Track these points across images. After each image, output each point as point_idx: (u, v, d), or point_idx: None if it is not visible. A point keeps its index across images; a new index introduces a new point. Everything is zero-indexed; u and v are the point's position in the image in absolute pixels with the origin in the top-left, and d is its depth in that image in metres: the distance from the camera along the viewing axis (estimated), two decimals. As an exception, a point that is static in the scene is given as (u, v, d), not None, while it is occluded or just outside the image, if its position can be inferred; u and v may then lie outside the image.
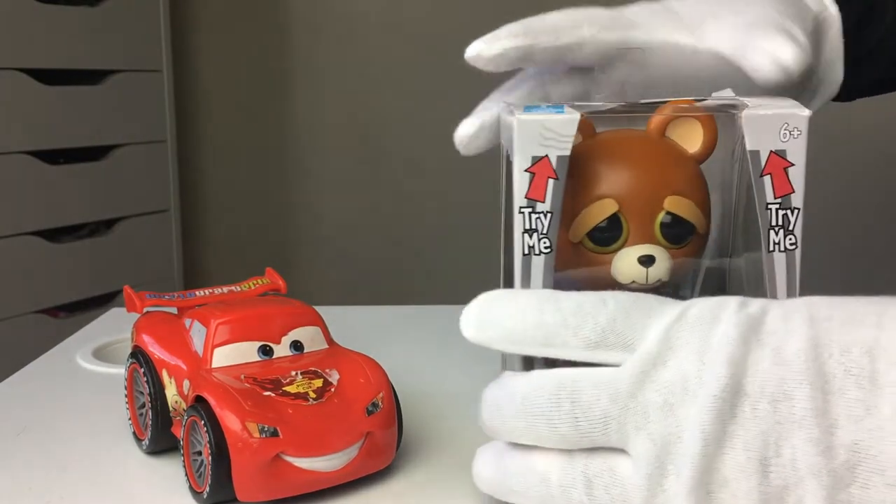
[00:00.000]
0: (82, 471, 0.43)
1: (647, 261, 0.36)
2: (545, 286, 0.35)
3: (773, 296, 0.36)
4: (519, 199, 0.34)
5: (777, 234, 0.35)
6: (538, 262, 0.34)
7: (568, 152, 0.34)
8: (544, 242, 0.34)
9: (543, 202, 0.34)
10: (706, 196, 0.38)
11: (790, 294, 0.36)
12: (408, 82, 1.71)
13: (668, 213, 0.36)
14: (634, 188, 0.36)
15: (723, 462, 0.29)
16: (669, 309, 0.32)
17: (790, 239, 0.36)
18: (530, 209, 0.34)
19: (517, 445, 0.34)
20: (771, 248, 0.36)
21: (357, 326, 0.56)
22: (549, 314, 0.32)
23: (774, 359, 0.29)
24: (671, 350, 0.30)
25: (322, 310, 0.45)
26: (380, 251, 1.78)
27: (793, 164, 0.35)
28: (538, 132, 0.33)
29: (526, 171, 0.34)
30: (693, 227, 0.37)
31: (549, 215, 0.34)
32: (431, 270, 1.72)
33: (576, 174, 0.35)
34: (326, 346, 0.44)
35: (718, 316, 0.31)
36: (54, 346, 0.62)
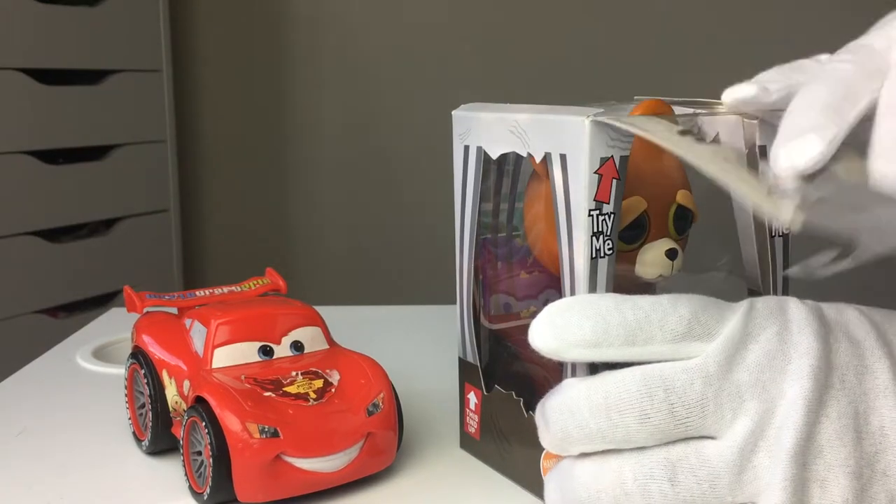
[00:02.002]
0: (82, 471, 0.43)
1: (671, 254, 0.37)
2: (608, 288, 0.35)
3: (774, 277, 0.39)
4: (588, 201, 0.34)
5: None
6: (603, 265, 0.34)
7: (629, 152, 0.34)
8: (608, 244, 0.34)
9: (609, 203, 0.34)
10: None
11: (785, 277, 0.40)
12: (408, 83, 1.71)
13: (680, 205, 0.38)
14: (656, 184, 0.37)
15: (819, 431, 0.30)
16: (735, 304, 0.33)
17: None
18: (598, 211, 0.34)
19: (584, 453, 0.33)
20: (772, 234, 0.39)
21: (357, 326, 0.56)
22: (630, 312, 0.32)
23: (849, 338, 0.32)
24: (750, 336, 0.32)
25: (322, 310, 0.45)
26: (379, 251, 1.78)
27: None
28: (607, 133, 0.33)
29: (595, 172, 0.33)
30: (693, 216, 0.39)
31: (612, 216, 0.34)
32: (431, 270, 1.72)
33: None
34: (327, 347, 0.44)
35: (785, 307, 0.33)
36: (54, 346, 0.62)
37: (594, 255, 0.34)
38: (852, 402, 0.31)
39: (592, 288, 0.34)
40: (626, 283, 0.37)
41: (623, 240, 0.36)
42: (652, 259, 0.37)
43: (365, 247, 1.79)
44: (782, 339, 0.31)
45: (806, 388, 0.30)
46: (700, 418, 0.31)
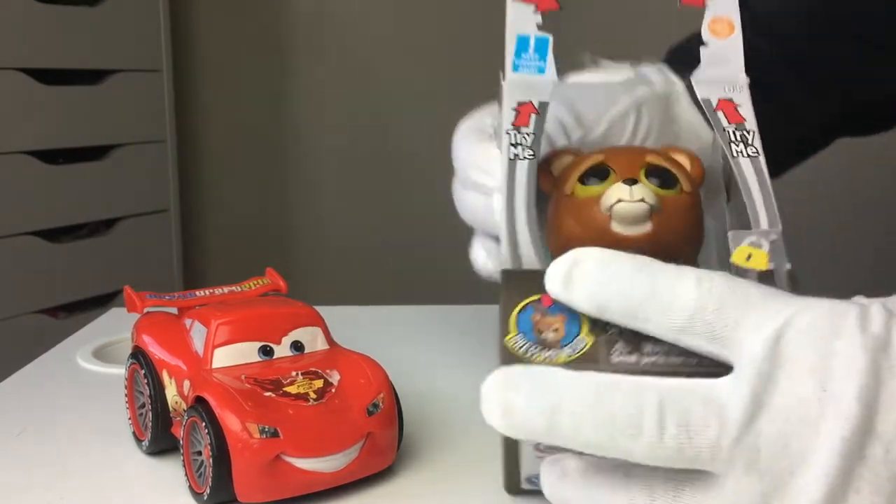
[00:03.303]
0: (82, 471, 0.43)
1: (631, 182, 0.37)
2: (529, 191, 0.37)
3: (749, 197, 0.37)
4: (507, 126, 0.39)
5: (738, 145, 0.38)
6: (522, 167, 0.38)
7: (548, 98, 0.40)
8: (528, 151, 0.38)
9: (528, 126, 0.39)
10: (688, 176, 0.39)
11: (766, 196, 0.37)
12: (408, 82, 1.71)
13: (651, 164, 0.38)
14: (620, 150, 0.41)
15: None
16: (772, 307, 0.29)
17: (752, 149, 0.38)
18: (516, 131, 0.39)
19: (591, 476, 0.31)
20: (734, 155, 0.38)
21: (357, 326, 0.56)
22: (640, 287, 0.30)
23: None
24: (782, 368, 0.28)
25: (322, 310, 0.45)
26: (380, 251, 1.78)
27: (740, 104, 0.39)
28: (525, 85, 0.40)
29: (513, 109, 0.39)
30: (675, 177, 0.38)
31: (531, 135, 0.39)
32: (431, 270, 1.72)
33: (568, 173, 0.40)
34: (327, 347, 0.44)
35: (837, 330, 0.28)
36: (54, 346, 0.62)
37: (512, 158, 0.38)
38: (893, 477, 0.26)
39: (511, 188, 0.37)
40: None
41: (583, 183, 0.38)
42: (610, 190, 0.37)
43: (365, 247, 1.79)
44: (820, 382, 0.27)
45: (833, 466, 0.26)
46: (710, 462, 0.28)
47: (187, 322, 0.44)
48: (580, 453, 0.31)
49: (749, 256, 0.36)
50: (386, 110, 1.74)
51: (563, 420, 0.29)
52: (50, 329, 1.36)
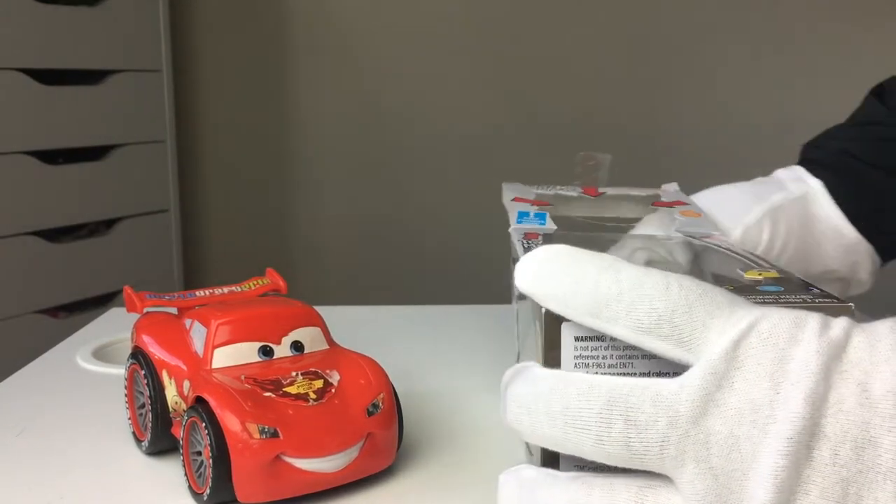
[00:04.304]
0: (82, 471, 0.43)
1: None
2: None
3: (738, 256, 0.41)
4: (517, 239, 0.42)
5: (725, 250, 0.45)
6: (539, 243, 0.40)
7: (552, 232, 0.44)
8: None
9: (537, 240, 0.42)
10: None
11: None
12: (408, 83, 1.71)
13: None
14: None
15: None
16: (738, 312, 0.29)
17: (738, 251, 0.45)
18: (527, 241, 0.42)
19: (545, 480, 0.31)
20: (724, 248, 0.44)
21: (357, 326, 0.56)
22: (606, 285, 0.30)
23: (860, 398, 0.27)
24: (739, 370, 0.27)
25: (322, 310, 0.45)
26: (380, 252, 1.78)
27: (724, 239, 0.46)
28: (528, 228, 0.45)
29: (521, 237, 0.42)
30: None
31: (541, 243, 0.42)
32: (431, 270, 1.72)
33: None
34: (327, 347, 0.44)
35: (796, 336, 0.28)
36: (54, 346, 0.62)
37: (527, 247, 0.40)
38: (843, 480, 0.26)
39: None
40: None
41: None
42: None
43: (365, 247, 1.79)
44: (774, 385, 0.27)
45: (779, 465, 0.26)
46: (658, 458, 0.28)
47: (187, 322, 0.44)
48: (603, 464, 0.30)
49: (759, 273, 0.38)
50: (386, 110, 1.74)
51: (522, 414, 0.30)
52: (50, 329, 1.36)
